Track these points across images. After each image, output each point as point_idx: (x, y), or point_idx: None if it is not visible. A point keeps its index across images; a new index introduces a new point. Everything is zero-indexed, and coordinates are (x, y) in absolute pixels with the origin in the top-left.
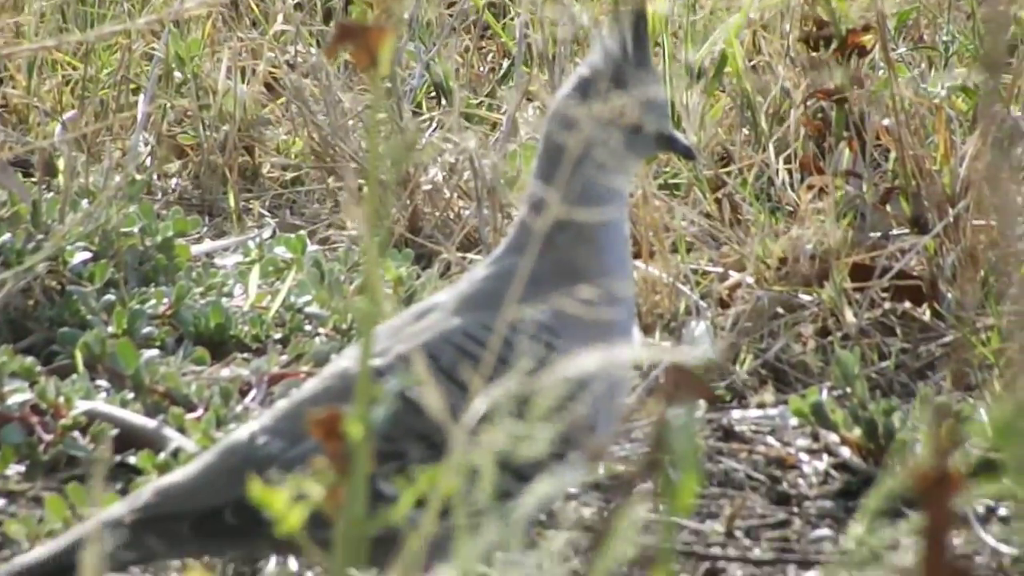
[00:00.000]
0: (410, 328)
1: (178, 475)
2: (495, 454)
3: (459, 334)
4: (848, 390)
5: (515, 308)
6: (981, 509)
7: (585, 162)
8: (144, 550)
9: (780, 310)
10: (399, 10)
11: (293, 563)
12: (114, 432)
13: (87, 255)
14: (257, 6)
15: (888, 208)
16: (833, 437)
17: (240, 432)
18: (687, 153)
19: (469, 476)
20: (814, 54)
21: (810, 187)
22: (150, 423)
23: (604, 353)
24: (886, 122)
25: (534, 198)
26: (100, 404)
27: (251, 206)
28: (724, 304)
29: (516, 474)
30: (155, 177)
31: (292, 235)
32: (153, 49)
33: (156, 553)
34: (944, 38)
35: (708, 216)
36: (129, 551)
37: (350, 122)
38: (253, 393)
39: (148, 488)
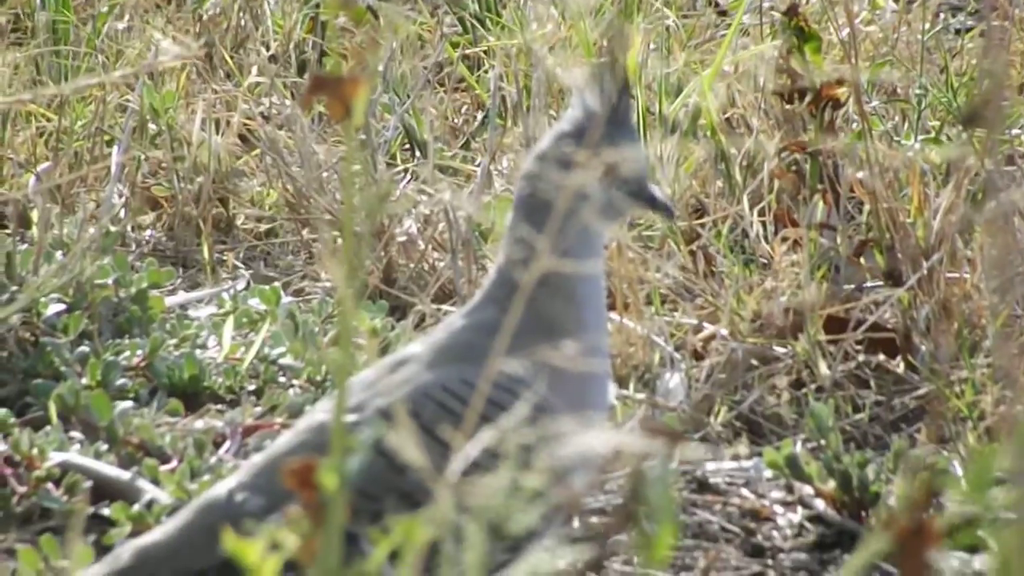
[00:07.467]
0: (386, 380)
1: (156, 534)
2: (484, 520)
3: (439, 388)
4: (822, 442)
5: (497, 363)
6: (956, 563)
7: (565, 216)
8: None
9: (754, 362)
10: (373, 62)
11: None
12: (88, 484)
13: (61, 307)
14: (231, 58)
15: (862, 260)
16: (807, 489)
17: (217, 489)
18: (666, 211)
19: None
20: (788, 107)
21: (784, 239)
22: (124, 474)
23: (596, 435)
24: (860, 175)
25: (510, 250)
26: (74, 456)
27: (225, 258)
28: (698, 356)
29: (505, 543)
30: (129, 229)
31: (266, 287)
32: (127, 101)
33: None
34: (917, 91)
35: (683, 268)
36: None
37: (324, 174)
38: (227, 444)
39: (126, 548)
